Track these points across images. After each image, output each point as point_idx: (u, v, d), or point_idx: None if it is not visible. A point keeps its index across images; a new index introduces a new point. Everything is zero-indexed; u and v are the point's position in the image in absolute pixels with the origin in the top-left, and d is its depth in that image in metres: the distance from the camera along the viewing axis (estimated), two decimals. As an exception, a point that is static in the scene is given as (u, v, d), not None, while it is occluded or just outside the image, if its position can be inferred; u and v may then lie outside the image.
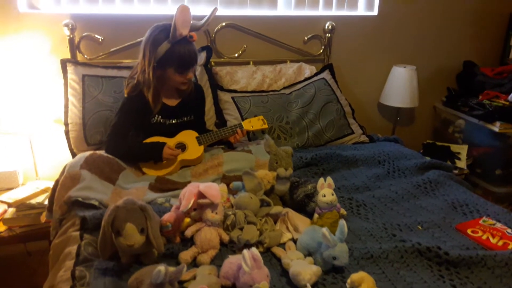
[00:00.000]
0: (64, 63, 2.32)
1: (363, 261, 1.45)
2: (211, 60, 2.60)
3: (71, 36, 2.38)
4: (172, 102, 2.14)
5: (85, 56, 2.46)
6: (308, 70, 2.74)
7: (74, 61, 2.38)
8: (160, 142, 2.03)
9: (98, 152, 2.02)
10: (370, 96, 3.12)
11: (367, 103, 3.12)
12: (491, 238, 1.59)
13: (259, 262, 1.25)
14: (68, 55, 2.41)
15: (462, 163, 2.85)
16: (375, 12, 2.95)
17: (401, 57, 3.08)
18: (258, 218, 1.57)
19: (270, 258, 1.48)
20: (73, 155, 2.27)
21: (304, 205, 1.73)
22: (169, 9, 2.51)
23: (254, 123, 2.20)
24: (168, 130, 2.11)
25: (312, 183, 1.75)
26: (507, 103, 2.79)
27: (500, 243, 1.56)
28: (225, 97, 2.51)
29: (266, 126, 2.21)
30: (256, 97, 2.50)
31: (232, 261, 1.32)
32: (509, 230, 1.63)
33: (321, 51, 2.88)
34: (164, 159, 2.01)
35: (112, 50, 2.49)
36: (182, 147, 2.10)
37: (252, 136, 2.36)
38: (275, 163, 1.76)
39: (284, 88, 2.64)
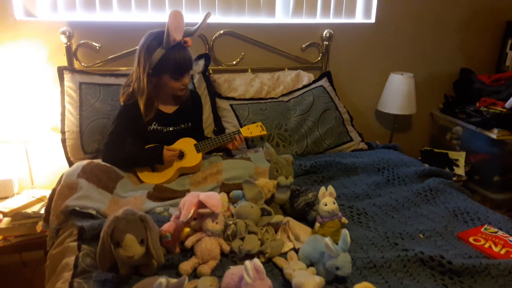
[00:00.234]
0: (61, 70, 2.30)
1: (366, 271, 1.44)
2: (209, 67, 2.59)
3: (68, 43, 2.37)
4: (169, 110, 2.12)
5: (82, 64, 2.44)
6: (306, 77, 2.74)
7: (71, 68, 2.36)
8: (159, 146, 2.01)
9: (95, 160, 2.00)
10: (367, 103, 3.12)
11: (364, 110, 3.12)
12: (493, 247, 1.58)
13: (261, 273, 1.23)
14: (65, 63, 2.39)
15: (460, 170, 2.85)
16: (372, 20, 2.96)
17: (398, 64, 3.08)
18: (259, 227, 1.55)
19: (272, 268, 1.45)
20: (70, 163, 2.25)
21: (305, 213, 1.71)
22: (167, 17, 2.48)
23: (253, 130, 2.18)
24: (165, 138, 2.08)
25: (313, 192, 1.73)
26: (504, 110, 2.80)
27: (503, 252, 1.55)
28: (223, 104, 2.49)
29: (265, 132, 2.19)
30: (254, 105, 2.49)
31: (233, 272, 1.30)
32: (511, 238, 1.62)
33: (319, 58, 2.87)
34: (165, 161, 1.99)
35: (109, 57, 2.48)
36: (180, 155, 2.08)
37: (251, 143, 2.35)
38: (276, 172, 1.74)
39: (283, 95, 2.64)
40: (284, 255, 1.51)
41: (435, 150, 3.03)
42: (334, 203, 1.59)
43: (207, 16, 2.00)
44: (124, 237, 1.28)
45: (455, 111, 3.08)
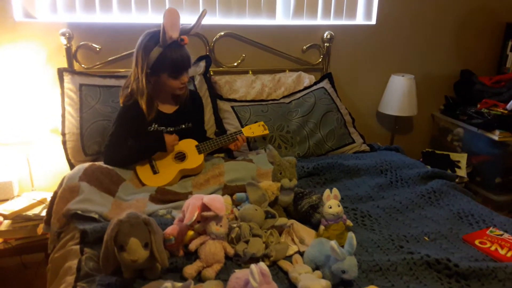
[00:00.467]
0: (60, 72, 2.28)
1: (372, 274, 1.42)
2: (210, 69, 2.58)
3: (68, 45, 2.35)
4: (169, 110, 2.11)
5: (82, 66, 2.43)
6: (308, 79, 2.73)
7: (71, 70, 2.34)
8: (158, 132, 2.01)
9: (97, 163, 1.98)
10: (368, 105, 3.11)
11: (365, 111, 3.11)
12: (499, 249, 1.57)
13: (267, 277, 1.22)
14: (65, 64, 2.38)
15: (462, 172, 2.84)
16: (373, 21, 2.95)
17: (399, 66, 3.08)
18: (263, 230, 1.54)
19: (277, 271, 1.44)
20: (71, 165, 2.23)
21: (309, 216, 1.70)
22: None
23: (255, 129, 2.16)
24: None
25: (317, 194, 1.72)
26: (506, 111, 2.79)
27: (509, 254, 1.54)
28: (224, 106, 2.48)
29: (267, 132, 2.17)
30: (256, 106, 2.47)
31: (239, 276, 1.29)
32: (517, 241, 1.61)
33: (320, 60, 2.86)
34: (169, 145, 1.99)
35: (109, 59, 2.46)
36: (181, 156, 2.06)
37: (253, 142, 2.33)
38: (279, 174, 1.73)
39: (284, 97, 2.63)
40: (288, 258, 1.50)
41: (437, 151, 3.02)
42: (339, 206, 1.58)
43: (203, 13, 1.99)
44: (128, 240, 1.26)
45: (456, 112, 3.07)
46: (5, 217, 2.15)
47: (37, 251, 2.22)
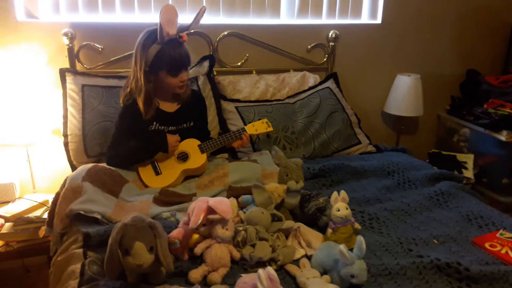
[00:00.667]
0: (63, 72, 2.26)
1: (381, 278, 1.39)
2: (213, 69, 2.55)
3: (70, 45, 2.32)
4: (171, 109, 2.08)
5: (85, 66, 2.40)
6: (312, 79, 2.70)
7: (73, 70, 2.32)
8: (161, 132, 1.98)
9: (100, 164, 1.96)
10: (374, 105, 3.08)
11: (371, 112, 3.08)
12: (510, 253, 1.54)
13: (275, 283, 1.19)
14: (67, 65, 2.35)
15: (469, 173, 2.81)
16: (378, 21, 2.92)
17: (405, 65, 3.05)
18: (269, 233, 1.51)
19: (284, 276, 1.41)
20: (73, 167, 2.21)
21: (316, 219, 1.67)
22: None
23: (258, 127, 2.13)
24: None
25: (324, 196, 1.69)
26: (513, 111, 2.76)
27: (521, 258, 1.51)
28: (228, 106, 2.45)
29: (271, 129, 2.13)
30: (260, 107, 2.45)
31: (246, 280, 1.26)
32: (528, 244, 1.58)
33: (325, 59, 2.83)
34: (171, 147, 1.96)
35: (112, 59, 2.43)
36: (184, 156, 2.03)
37: (257, 143, 2.29)
38: (285, 176, 1.70)
39: (288, 97, 2.60)
40: (295, 262, 1.47)
41: (443, 152, 2.99)
42: (347, 209, 1.55)
43: (202, 10, 1.96)
44: (133, 244, 1.24)
45: (463, 113, 3.04)
46: (7, 219, 2.13)
47: (39, 254, 2.20)
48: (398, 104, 2.93)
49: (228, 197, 1.79)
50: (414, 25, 3.00)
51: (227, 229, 1.44)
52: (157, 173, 1.99)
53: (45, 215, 2.14)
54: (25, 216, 2.15)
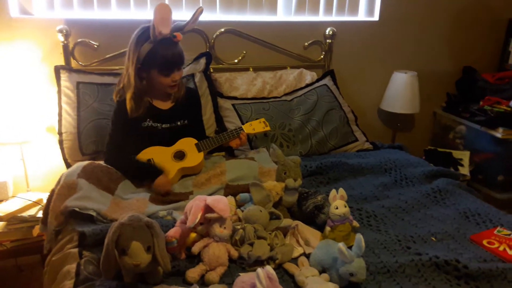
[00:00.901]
0: (57, 70, 2.24)
1: (380, 276, 1.39)
2: (210, 66, 2.53)
3: (65, 42, 2.30)
4: (164, 106, 2.05)
5: (80, 63, 2.38)
6: (309, 76, 2.69)
7: (68, 67, 2.30)
8: (159, 170, 1.93)
9: (96, 162, 1.94)
10: (370, 102, 3.08)
11: (367, 109, 3.07)
12: (508, 250, 1.54)
13: (274, 282, 1.18)
14: (62, 62, 2.33)
15: (465, 170, 2.81)
16: (375, 18, 2.91)
17: (401, 62, 3.04)
18: (267, 232, 1.50)
19: (282, 274, 1.40)
20: (67, 165, 2.19)
21: (314, 217, 1.66)
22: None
23: (256, 126, 2.11)
24: (162, 136, 2.02)
25: (322, 194, 1.68)
26: (509, 109, 2.76)
27: (519, 255, 1.51)
28: (225, 104, 2.43)
29: (268, 128, 2.12)
30: (257, 104, 2.43)
31: (244, 280, 1.25)
32: (525, 241, 1.58)
33: (322, 57, 2.82)
34: (156, 185, 1.87)
35: (107, 56, 2.41)
36: (180, 155, 2.01)
37: (254, 141, 2.28)
38: (284, 174, 1.69)
39: (285, 94, 2.58)
40: (294, 260, 1.46)
41: (439, 149, 2.99)
42: (346, 206, 1.55)
43: (199, 11, 1.94)
44: (130, 244, 1.22)
45: (459, 110, 3.04)
46: (0, 218, 2.10)
47: (33, 253, 2.17)
48: (394, 101, 2.93)
49: (225, 195, 1.78)
50: (411, 22, 2.99)
51: (225, 227, 1.43)
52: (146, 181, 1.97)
53: (39, 214, 2.12)
54: (19, 215, 2.12)
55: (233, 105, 2.42)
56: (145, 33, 1.89)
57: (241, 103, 2.44)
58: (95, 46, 2.38)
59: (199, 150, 2.02)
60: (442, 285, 1.37)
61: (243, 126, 2.10)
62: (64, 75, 2.23)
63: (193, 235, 1.47)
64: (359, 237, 1.32)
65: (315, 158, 2.30)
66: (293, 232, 1.57)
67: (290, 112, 2.43)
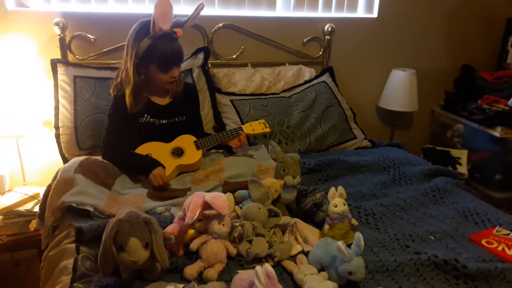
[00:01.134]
0: (54, 63, 2.22)
1: (378, 275, 1.38)
2: (208, 61, 2.51)
3: (62, 35, 2.28)
4: (162, 102, 2.04)
5: (77, 57, 2.36)
6: (308, 72, 2.68)
7: (64, 61, 2.27)
8: (157, 162, 1.91)
9: (93, 157, 1.92)
10: (368, 100, 3.07)
11: (365, 106, 3.07)
12: (506, 250, 1.54)
13: (273, 280, 1.17)
14: (58, 55, 2.30)
15: (463, 169, 2.81)
16: (374, 14, 2.90)
17: (400, 60, 3.03)
18: (266, 229, 1.49)
19: (281, 272, 1.39)
20: (64, 160, 2.17)
21: (312, 214, 1.65)
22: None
23: (255, 127, 2.11)
24: (159, 131, 2.00)
25: (320, 192, 1.67)
26: (507, 108, 2.76)
27: (517, 255, 1.51)
28: (223, 100, 2.42)
29: (268, 130, 2.12)
30: (255, 100, 2.42)
31: (243, 277, 1.24)
32: (524, 241, 1.58)
33: (320, 53, 2.81)
34: (152, 175, 1.85)
35: (104, 50, 2.39)
36: (179, 152, 2.00)
37: (253, 140, 2.27)
38: (282, 171, 1.68)
39: (284, 91, 2.57)
40: (292, 258, 1.46)
41: (437, 147, 2.99)
42: (344, 204, 1.54)
43: (199, 7, 1.92)
44: (128, 241, 1.21)
45: (457, 108, 3.04)
46: (-3, 212, 2.09)
47: (29, 247, 2.17)
48: (392, 99, 2.92)
49: (224, 192, 1.77)
50: (409, 19, 2.98)
51: (223, 224, 1.42)
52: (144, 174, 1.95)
53: (36, 208, 2.10)
54: (15, 209, 2.11)
55: (231, 101, 2.41)
56: (144, 28, 1.87)
57: (240, 99, 2.43)
58: (92, 40, 2.36)
59: (198, 148, 2.01)
60: (441, 285, 1.37)
61: (242, 126, 2.09)
62: (61, 69, 2.21)
63: (191, 231, 1.46)
64: (358, 235, 1.31)
65: (314, 155, 2.29)
66: (291, 230, 1.57)
67: (289, 108, 2.42)
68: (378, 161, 2.18)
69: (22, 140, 2.28)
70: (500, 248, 1.55)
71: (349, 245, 1.35)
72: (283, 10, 2.71)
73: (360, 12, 2.89)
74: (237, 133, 2.05)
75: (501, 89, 2.93)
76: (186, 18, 1.91)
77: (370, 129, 2.97)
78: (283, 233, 1.55)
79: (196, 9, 1.91)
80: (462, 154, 2.89)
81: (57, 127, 2.17)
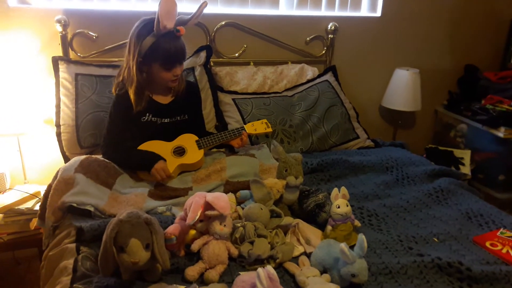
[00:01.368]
0: (55, 61, 2.20)
1: (381, 277, 1.37)
2: (210, 60, 2.49)
3: (64, 32, 2.26)
4: (164, 100, 2.02)
5: (78, 54, 2.34)
6: (311, 71, 2.66)
7: (66, 59, 2.25)
8: (159, 156, 1.90)
9: (93, 156, 1.91)
10: (371, 99, 3.05)
11: (368, 106, 3.05)
12: (511, 252, 1.52)
13: (275, 282, 1.16)
14: (60, 53, 2.29)
15: (466, 169, 2.79)
16: (378, 13, 2.88)
17: (403, 59, 3.01)
18: (268, 230, 1.48)
19: (283, 274, 1.38)
20: (65, 158, 2.16)
21: (315, 215, 1.64)
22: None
23: (258, 127, 2.10)
24: (161, 130, 1.99)
25: (323, 192, 1.66)
26: (511, 108, 2.74)
27: (522, 258, 1.49)
28: (225, 98, 2.40)
29: (270, 130, 2.10)
30: (258, 99, 2.40)
31: (244, 279, 1.23)
32: (528, 243, 1.56)
33: (323, 52, 2.79)
34: (154, 169, 1.84)
35: (106, 48, 2.37)
36: (180, 151, 1.99)
37: (255, 140, 2.26)
38: (285, 171, 1.66)
39: (286, 90, 2.55)
40: (294, 259, 1.44)
41: (440, 148, 2.97)
42: (347, 205, 1.52)
43: (203, 5, 1.90)
44: (129, 242, 1.20)
45: (460, 108, 3.02)
46: (-3, 211, 2.08)
47: (30, 246, 2.15)
48: (395, 98, 2.90)
49: (225, 192, 1.76)
50: (413, 19, 2.96)
51: (225, 225, 1.40)
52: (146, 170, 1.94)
53: (37, 207, 2.09)
54: (16, 207, 2.10)
55: (233, 99, 2.39)
56: (147, 26, 1.85)
57: (242, 98, 2.41)
58: (94, 37, 2.34)
59: (200, 147, 1.99)
60: (444, 287, 1.35)
61: (245, 126, 2.08)
62: (62, 66, 2.19)
63: (192, 232, 1.45)
64: (361, 237, 1.29)
65: (316, 155, 2.28)
66: (293, 231, 1.55)
67: (291, 108, 2.40)
68: (381, 161, 2.16)
69: (23, 138, 2.27)
70: (504, 251, 1.53)
71: (351, 247, 1.34)
72: (286, 8, 2.69)
73: (364, 11, 2.87)
74: (239, 133, 2.04)
75: (505, 89, 2.91)
76: (190, 16, 1.90)
77: (373, 128, 2.95)
78: (285, 234, 1.54)
79: (199, 7, 1.89)
80: (465, 155, 2.87)
81: (58, 125, 2.16)
